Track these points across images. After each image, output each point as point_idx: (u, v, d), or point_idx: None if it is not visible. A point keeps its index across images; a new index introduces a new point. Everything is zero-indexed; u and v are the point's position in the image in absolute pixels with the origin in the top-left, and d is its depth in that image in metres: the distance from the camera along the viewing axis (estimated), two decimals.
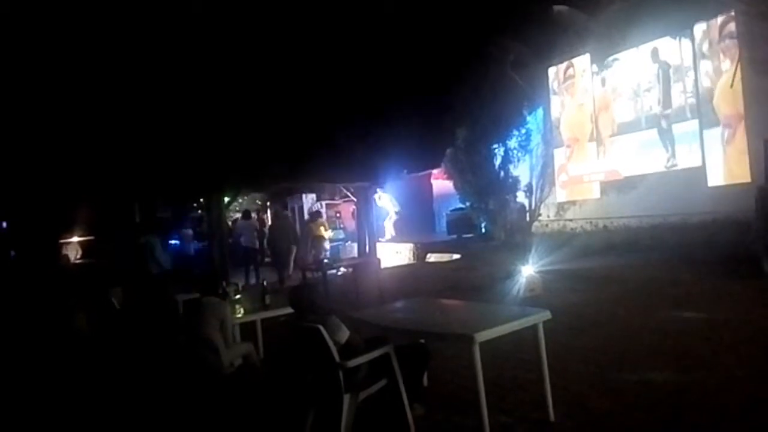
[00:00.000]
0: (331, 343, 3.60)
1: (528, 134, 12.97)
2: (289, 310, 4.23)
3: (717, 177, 10.30)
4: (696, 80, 10.73)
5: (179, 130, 12.32)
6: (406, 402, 3.83)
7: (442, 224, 18.64)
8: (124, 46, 11.99)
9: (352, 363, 3.64)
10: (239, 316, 5.09)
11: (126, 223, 15.64)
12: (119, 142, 12.53)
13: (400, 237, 17.26)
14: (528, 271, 8.10)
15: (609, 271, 8.95)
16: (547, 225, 13.01)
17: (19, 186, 13.31)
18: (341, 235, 18.13)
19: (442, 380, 4.51)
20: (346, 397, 3.65)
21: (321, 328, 3.59)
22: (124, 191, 14.33)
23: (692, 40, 10.73)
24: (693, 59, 10.77)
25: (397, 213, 18.11)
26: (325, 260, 9.17)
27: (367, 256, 13.20)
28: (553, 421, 3.77)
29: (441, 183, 19.73)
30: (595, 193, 12.27)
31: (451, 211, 15.67)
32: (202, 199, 19.11)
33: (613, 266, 9.32)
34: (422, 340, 4.05)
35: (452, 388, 4.40)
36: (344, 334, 3.78)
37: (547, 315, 3.77)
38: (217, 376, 4.43)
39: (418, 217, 19.99)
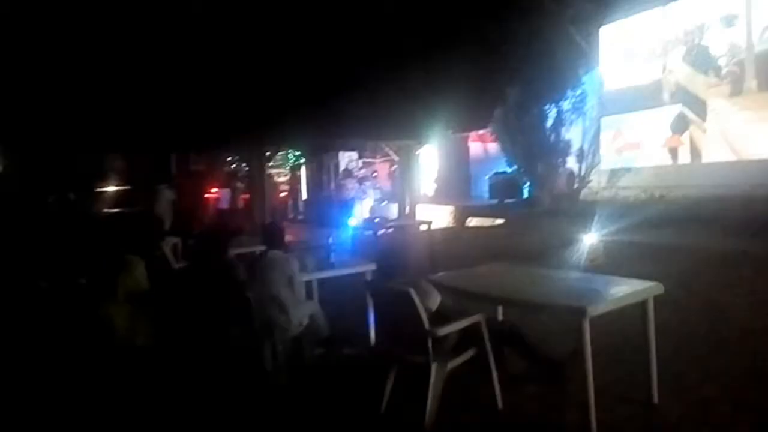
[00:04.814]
0: (421, 309, 3.31)
1: (583, 95, 12.27)
2: None
3: None
4: None
5: (217, 80, 11.98)
6: (495, 374, 3.55)
7: (479, 188, 18.13)
8: None
9: (443, 331, 3.35)
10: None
11: (163, 175, 15.51)
12: (155, 90, 12.26)
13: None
14: (591, 239, 7.69)
15: (673, 243, 8.46)
16: (597, 192, 12.44)
17: (53, 131, 13.19)
18: (377, 195, 17.78)
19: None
20: (434, 367, 3.38)
21: (412, 291, 3.29)
22: (160, 140, 14.12)
23: None
24: None
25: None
26: (377, 219, 8.86)
27: (408, 217, 12.87)
28: (657, 403, 3.47)
29: (478, 146, 19.17)
30: (653, 160, 11.68)
31: (494, 174, 15.14)
32: (235, 154, 18.93)
33: (675, 238, 8.81)
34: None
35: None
36: (436, 300, 3.50)
37: (659, 289, 3.42)
38: (286, 335, 4.20)
39: (455, 180, 19.47)
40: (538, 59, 11.82)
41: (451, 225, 14.10)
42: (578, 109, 12.31)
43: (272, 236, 4.46)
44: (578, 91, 12.31)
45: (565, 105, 12.31)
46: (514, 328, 3.94)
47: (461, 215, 13.98)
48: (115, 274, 4.75)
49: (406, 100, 12.24)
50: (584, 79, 12.41)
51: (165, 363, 4.21)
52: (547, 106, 12.42)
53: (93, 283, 4.86)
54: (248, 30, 11.95)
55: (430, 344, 3.33)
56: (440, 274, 4.26)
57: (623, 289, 3.34)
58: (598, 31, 12.70)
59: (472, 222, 13.74)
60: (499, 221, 12.83)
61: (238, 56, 11.80)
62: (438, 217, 14.71)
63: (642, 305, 3.40)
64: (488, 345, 3.52)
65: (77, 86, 11.98)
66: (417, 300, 3.28)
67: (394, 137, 13.40)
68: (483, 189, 17.27)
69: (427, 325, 3.31)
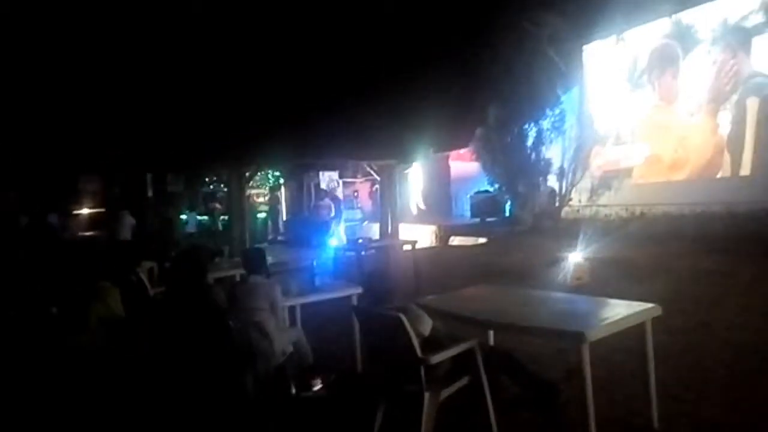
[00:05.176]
0: (413, 336, 3.15)
1: (562, 114, 12.38)
2: None
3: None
4: None
5: (195, 98, 11.79)
6: (489, 402, 3.40)
7: (460, 208, 18.12)
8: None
9: (436, 359, 3.19)
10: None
11: (138, 197, 15.18)
12: (131, 108, 12.01)
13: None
14: (575, 257, 7.62)
15: (656, 261, 8.45)
16: (578, 210, 12.50)
17: (28, 153, 12.83)
18: (358, 215, 17.65)
19: None
20: (427, 396, 3.22)
21: (402, 317, 3.14)
22: (136, 160, 13.79)
23: None
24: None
25: None
26: (360, 240, 8.70)
27: (391, 237, 12.73)
28: (657, 427, 3.36)
29: (459, 165, 19.18)
30: (633, 178, 11.79)
31: (476, 193, 15.14)
32: (213, 175, 18.66)
33: (658, 256, 8.81)
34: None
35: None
36: (428, 325, 3.34)
37: (657, 311, 3.32)
38: (269, 364, 3.99)
39: (436, 199, 19.46)
40: (517, 79, 11.91)
41: (433, 244, 14.01)
42: (557, 128, 12.40)
43: (254, 261, 4.27)
44: (557, 111, 12.40)
45: (545, 124, 12.40)
46: (508, 352, 3.81)
47: (443, 234, 13.91)
48: (87, 302, 4.52)
49: (387, 120, 12.19)
50: (563, 98, 12.52)
51: (142, 392, 3.97)
52: (527, 126, 12.49)
53: (64, 311, 4.60)
54: (227, 50, 11.83)
55: (422, 372, 3.18)
56: (429, 297, 4.12)
57: (621, 312, 3.22)
58: (580, 50, 12.87)
59: (455, 241, 13.66)
60: (482, 240, 12.78)
61: (217, 75, 11.65)
62: (420, 236, 14.61)
63: (639, 328, 3.30)
64: (483, 372, 3.38)
65: (50, 103, 11.68)
66: (408, 326, 3.13)
67: (376, 157, 13.31)
68: (464, 208, 17.29)
69: (419, 352, 3.15)
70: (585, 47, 13.17)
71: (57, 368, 4.14)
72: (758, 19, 10.28)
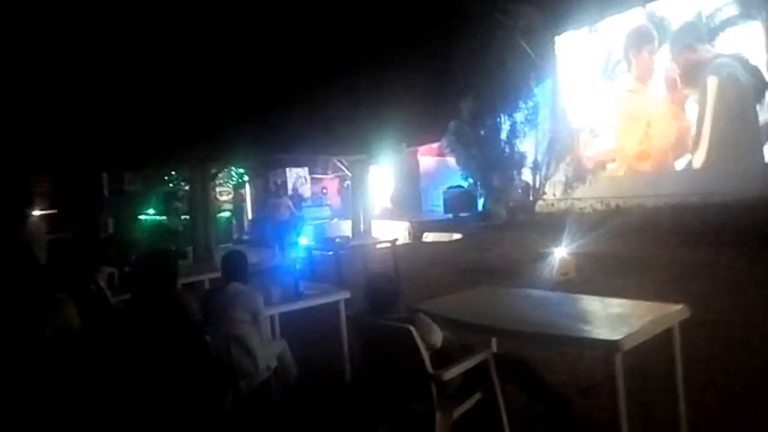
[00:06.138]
0: (423, 349, 2.79)
1: (536, 107, 12.21)
2: None
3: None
4: None
5: (153, 91, 11.10)
6: (505, 419, 3.07)
7: (429, 203, 17.88)
8: None
9: (449, 374, 2.83)
10: None
11: (93, 197, 14.32)
12: (84, 102, 11.23)
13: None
14: (561, 252, 7.40)
15: (639, 255, 8.33)
16: (552, 204, 12.38)
17: None
18: (326, 213, 17.15)
19: None
20: (438, 416, 2.86)
21: (412, 329, 2.76)
22: (91, 157, 12.94)
23: None
24: None
25: None
26: (338, 239, 8.27)
27: (365, 235, 12.33)
28: None
29: (428, 160, 18.92)
30: (607, 170, 11.73)
31: (449, 188, 14.87)
32: (174, 172, 17.83)
33: (640, 249, 8.70)
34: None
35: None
36: (438, 336, 2.97)
37: (685, 313, 3.04)
38: (252, 382, 3.56)
39: (404, 195, 19.13)
40: (490, 71, 11.68)
41: (407, 241, 13.67)
42: (531, 121, 12.23)
43: (235, 266, 3.80)
44: (531, 103, 12.23)
45: (519, 117, 12.20)
46: (519, 360, 3.47)
47: (416, 230, 13.60)
48: (40, 316, 3.99)
49: (358, 114, 11.79)
50: (536, 90, 12.36)
51: (105, 415, 3.48)
52: (500, 119, 12.27)
53: (14, 326, 4.04)
54: (190, 41, 11.17)
55: (433, 390, 2.82)
56: (427, 302, 3.77)
57: (649, 316, 2.92)
58: (553, 41, 12.74)
59: (429, 237, 13.37)
60: (457, 236, 12.52)
61: (178, 67, 10.99)
62: (392, 233, 14.26)
63: (666, 333, 3.01)
64: (497, 386, 3.04)
65: None
66: (419, 340, 2.77)
67: (346, 152, 12.86)
68: (433, 203, 17.04)
69: (430, 368, 2.79)
70: (557, 38, 13.06)
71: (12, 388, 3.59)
72: (731, 11, 10.33)
